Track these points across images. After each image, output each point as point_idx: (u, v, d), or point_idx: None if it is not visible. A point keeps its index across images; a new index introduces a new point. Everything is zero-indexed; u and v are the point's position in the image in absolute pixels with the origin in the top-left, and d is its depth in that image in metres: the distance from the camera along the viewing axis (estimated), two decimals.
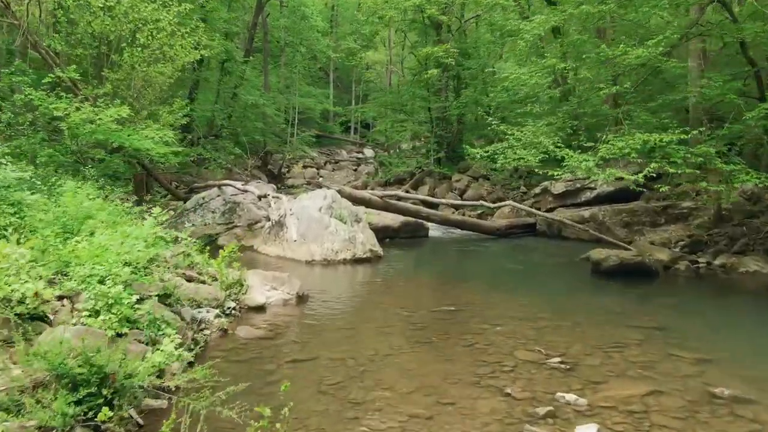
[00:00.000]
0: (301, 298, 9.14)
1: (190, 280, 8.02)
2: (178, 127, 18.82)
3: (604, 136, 11.39)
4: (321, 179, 35.40)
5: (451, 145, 25.33)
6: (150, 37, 14.55)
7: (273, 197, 14.44)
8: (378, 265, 12.90)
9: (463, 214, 19.30)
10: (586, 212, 16.13)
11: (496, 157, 14.29)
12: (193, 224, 14.93)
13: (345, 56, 38.81)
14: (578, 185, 17.08)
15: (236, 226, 14.98)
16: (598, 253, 11.31)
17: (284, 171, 36.54)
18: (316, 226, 13.04)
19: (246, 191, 15.16)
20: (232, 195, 15.43)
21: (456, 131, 25.28)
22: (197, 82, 25.05)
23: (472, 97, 23.28)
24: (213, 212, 15.10)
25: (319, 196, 13.99)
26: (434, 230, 17.29)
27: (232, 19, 31.53)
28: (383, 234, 16.02)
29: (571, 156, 11.54)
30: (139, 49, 14.14)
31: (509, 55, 28.83)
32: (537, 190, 18.09)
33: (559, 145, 12.57)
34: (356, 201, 15.30)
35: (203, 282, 8.12)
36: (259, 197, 14.65)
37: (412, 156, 27.11)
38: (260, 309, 8.56)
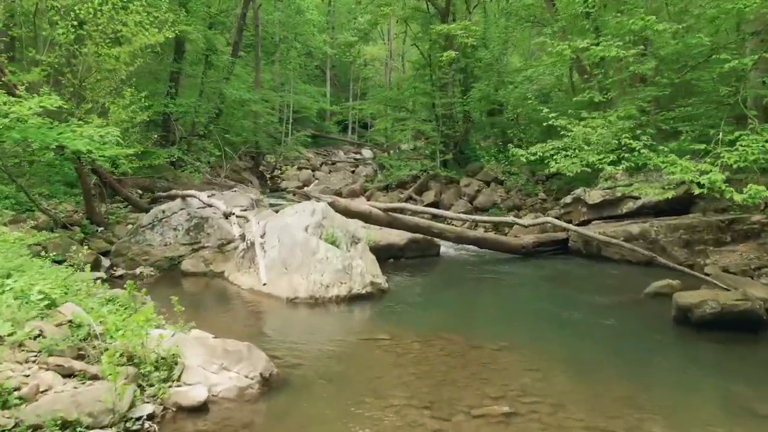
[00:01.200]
0: (268, 383, 5.69)
1: (69, 374, 4.58)
2: (142, 124, 15.49)
3: (722, 135, 7.90)
4: (316, 181, 31.96)
5: (458, 146, 21.89)
6: (93, 11, 11.09)
7: (238, 216, 10.96)
8: (382, 304, 9.44)
9: (475, 226, 15.85)
10: (633, 227, 12.70)
11: (551, 159, 10.84)
12: (150, 244, 11.49)
13: (342, 51, 35.32)
14: (618, 194, 13.66)
15: (204, 247, 11.53)
16: (688, 297, 7.84)
17: (277, 173, 33.12)
18: (301, 251, 9.60)
19: (210, 205, 11.65)
20: (198, 208, 11.97)
21: (464, 130, 21.84)
22: (176, 75, 21.55)
23: (484, 91, 19.81)
24: (175, 229, 11.63)
25: (305, 211, 10.54)
26: (445, 246, 13.86)
27: (221, 10, 28.11)
28: (387, 253, 12.60)
29: (676, 164, 7.89)
30: (75, 23, 10.69)
31: (516, 48, 25.40)
32: (567, 199, 14.65)
33: (650, 144, 8.96)
34: (354, 215, 11.89)
35: (94, 377, 4.65)
36: (225, 215, 11.16)
37: (415, 158, 23.65)
38: (199, 410, 5.12)
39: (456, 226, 13.71)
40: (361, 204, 11.75)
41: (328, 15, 42.82)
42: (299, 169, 34.06)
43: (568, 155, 10.39)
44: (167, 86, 21.01)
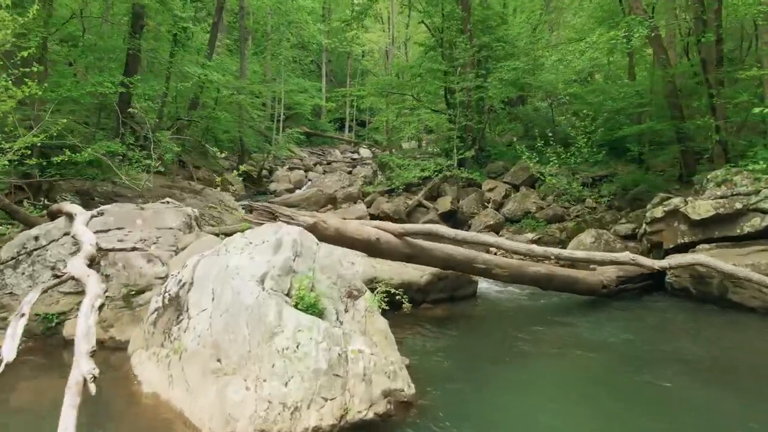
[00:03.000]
0: None
1: None
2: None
3: None
4: (309, 183, 26.92)
5: (477, 141, 16.91)
6: None
7: (136, 250, 5.96)
8: None
9: (495, 252, 10.86)
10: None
11: None
12: (11, 293, 6.49)
13: (338, 39, 30.37)
14: (738, 205, 8.74)
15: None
16: None
17: (265, 174, 28.08)
18: (250, 328, 4.61)
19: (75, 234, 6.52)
20: (98, 232, 6.91)
21: (485, 122, 16.84)
22: (133, 54, 16.46)
23: (518, 70, 14.69)
24: (53, 268, 6.60)
25: (265, 244, 5.50)
26: (484, 281, 8.92)
27: None
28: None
29: None
30: None
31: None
32: (656, 212, 9.59)
33: None
34: (350, 244, 6.88)
35: None
36: (90, 259, 6.02)
37: (424, 156, 18.61)
38: None
39: (503, 254, 8.64)
40: (362, 227, 6.72)
41: (323, 5, 37.74)
42: (290, 169, 29.04)
43: None
44: (126, 69, 15.98)
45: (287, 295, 5.09)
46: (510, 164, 16.81)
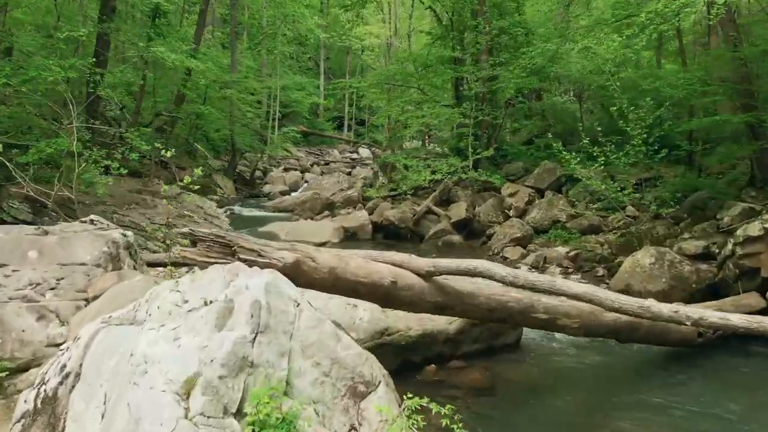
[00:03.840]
0: None
1: None
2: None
3: None
4: (305, 185, 24.44)
5: (494, 139, 14.47)
6: None
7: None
8: None
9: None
10: None
11: None
12: None
13: (337, 33, 27.88)
14: None
15: None
16: None
17: (259, 175, 25.62)
18: None
19: None
20: None
21: (504, 117, 14.37)
22: (104, 38, 13.97)
23: (545, 55, 12.12)
24: None
25: (206, 311, 3.10)
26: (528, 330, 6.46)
27: None
28: (423, 353, 5.30)
29: None
30: None
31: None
32: (751, 229, 7.12)
33: None
34: (352, 290, 4.41)
35: None
36: None
37: (430, 156, 16.15)
38: None
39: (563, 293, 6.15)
40: (369, 264, 4.19)
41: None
42: (286, 170, 26.57)
43: None
44: (97, 54, 13.49)
45: (237, 415, 2.64)
46: (531, 165, 14.38)
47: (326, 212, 14.97)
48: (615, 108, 9.19)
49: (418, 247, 12.47)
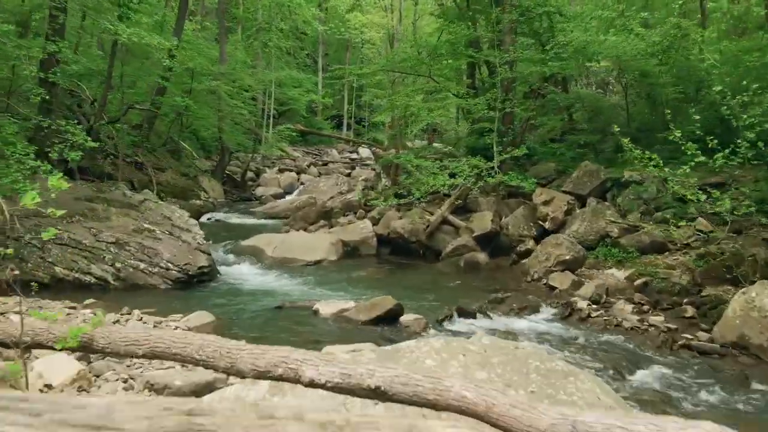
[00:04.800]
0: None
1: None
2: None
3: None
4: (301, 187, 21.80)
5: (520, 136, 11.82)
6: None
7: None
8: None
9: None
10: None
11: None
12: None
13: (336, 25, 25.22)
14: None
15: None
16: None
17: (252, 176, 22.96)
18: None
19: None
20: None
21: (534, 110, 11.65)
22: (57, 12, 11.29)
23: (584, 37, 9.44)
24: None
25: None
26: None
27: None
28: None
29: None
30: None
31: None
32: None
33: None
34: None
35: None
36: None
37: (438, 155, 13.47)
38: None
39: None
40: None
41: None
42: (280, 171, 23.91)
43: None
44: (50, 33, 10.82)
45: None
46: (564, 166, 11.78)
47: (322, 222, 12.29)
48: (717, 91, 6.54)
49: (435, 267, 9.87)
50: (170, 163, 17.78)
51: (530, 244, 9.85)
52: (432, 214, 11.43)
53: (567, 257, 8.07)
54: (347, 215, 15.58)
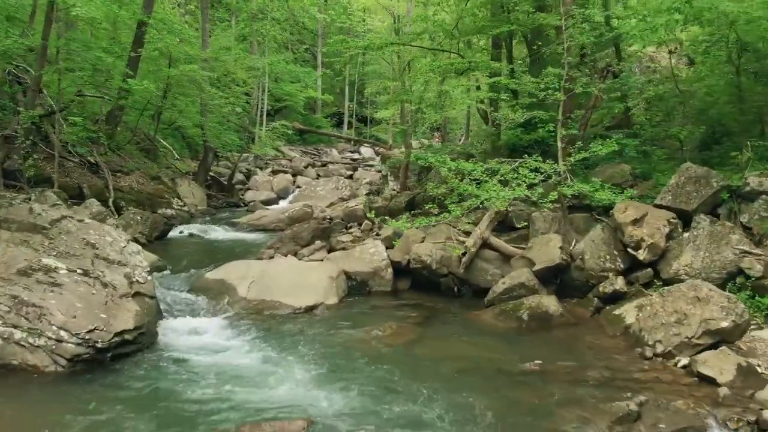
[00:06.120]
0: None
1: None
2: None
3: None
4: (296, 191, 18.35)
5: (583, 130, 8.39)
6: None
7: None
8: None
9: None
10: None
11: None
12: None
13: (336, 13, 21.74)
14: None
15: None
16: None
17: (242, 179, 19.50)
18: None
19: None
20: None
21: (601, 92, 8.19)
22: None
23: None
24: None
25: None
26: None
27: None
28: None
29: None
30: None
31: None
32: None
33: None
34: None
35: None
36: None
37: (457, 154, 9.98)
38: None
39: None
40: None
41: None
42: (274, 172, 20.45)
43: None
44: None
45: None
46: (643, 169, 8.38)
47: (318, 243, 8.82)
48: None
49: (479, 318, 6.46)
50: (141, 164, 14.32)
51: (619, 283, 6.48)
52: (463, 232, 8.03)
53: (724, 324, 4.63)
54: (350, 227, 12.18)
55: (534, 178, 6.39)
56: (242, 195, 17.82)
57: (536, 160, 7.00)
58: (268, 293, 6.88)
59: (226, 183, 17.60)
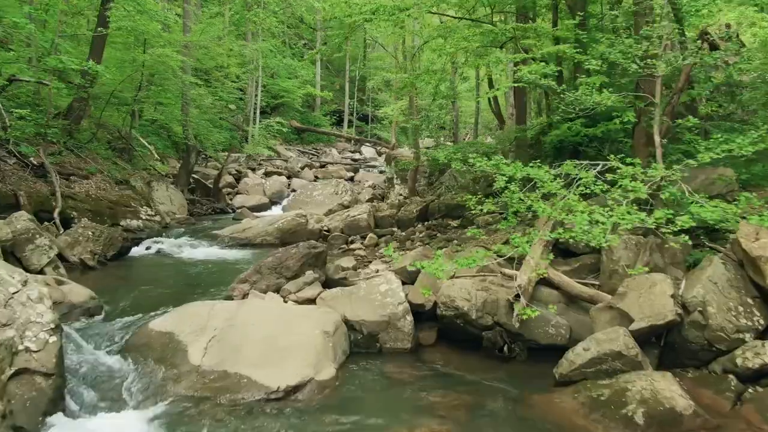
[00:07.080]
0: None
1: None
2: None
3: None
4: (291, 196, 15.90)
5: (671, 121, 6.03)
6: None
7: None
8: None
9: None
10: None
11: None
12: None
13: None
14: None
15: None
16: None
17: (232, 182, 17.03)
18: None
19: None
20: None
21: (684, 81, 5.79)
22: None
23: None
24: None
25: None
26: None
27: None
28: None
29: None
30: None
31: None
32: None
33: None
34: None
35: None
36: None
37: (484, 150, 7.56)
38: None
39: None
40: None
41: None
42: (267, 174, 17.99)
43: None
44: None
45: None
46: (748, 175, 5.96)
47: (310, 274, 6.32)
48: None
49: (555, 408, 4.02)
50: (107, 165, 11.86)
51: (763, 350, 4.06)
52: (496, 254, 5.54)
53: None
54: (352, 242, 9.80)
55: (639, 190, 3.94)
56: (230, 200, 15.40)
57: (627, 163, 4.55)
58: (233, 361, 4.45)
59: (212, 186, 15.15)
